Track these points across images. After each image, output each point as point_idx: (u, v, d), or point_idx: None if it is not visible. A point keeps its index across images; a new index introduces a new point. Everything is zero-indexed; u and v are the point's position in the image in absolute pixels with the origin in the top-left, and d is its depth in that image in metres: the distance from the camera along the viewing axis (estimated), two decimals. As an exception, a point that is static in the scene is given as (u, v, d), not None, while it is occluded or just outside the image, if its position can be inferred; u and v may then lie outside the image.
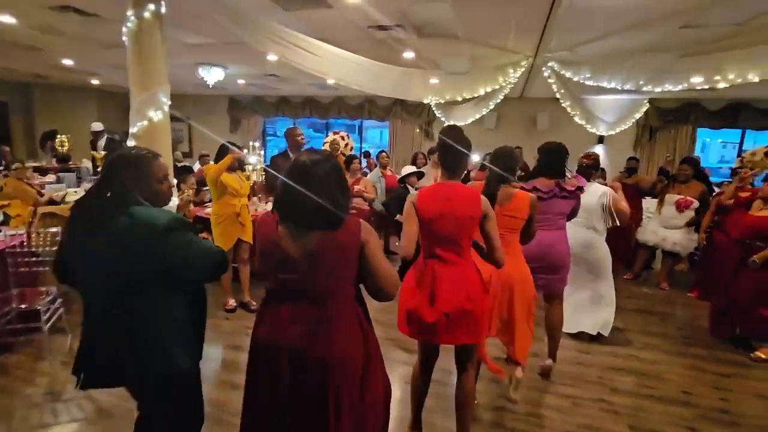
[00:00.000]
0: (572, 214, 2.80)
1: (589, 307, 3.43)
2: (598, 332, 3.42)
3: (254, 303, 3.87)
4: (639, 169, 6.19)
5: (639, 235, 5.06)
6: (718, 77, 3.74)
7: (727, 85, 3.84)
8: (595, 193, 3.12)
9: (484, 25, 4.04)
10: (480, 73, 5.35)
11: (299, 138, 3.94)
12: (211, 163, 4.33)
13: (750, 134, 8.28)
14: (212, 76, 6.61)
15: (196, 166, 7.29)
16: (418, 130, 9.33)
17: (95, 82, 8.76)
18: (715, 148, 15.68)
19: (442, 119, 7.91)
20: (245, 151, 4.04)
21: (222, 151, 3.72)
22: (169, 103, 2.96)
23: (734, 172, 4.45)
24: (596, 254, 3.26)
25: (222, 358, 3.14)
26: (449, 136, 1.96)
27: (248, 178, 4.31)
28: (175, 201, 3.28)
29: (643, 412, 2.64)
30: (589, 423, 2.50)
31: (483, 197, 1.93)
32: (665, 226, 4.82)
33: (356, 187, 4.64)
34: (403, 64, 5.42)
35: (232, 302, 3.85)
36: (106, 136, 7.13)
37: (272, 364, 1.40)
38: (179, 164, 6.15)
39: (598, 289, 3.41)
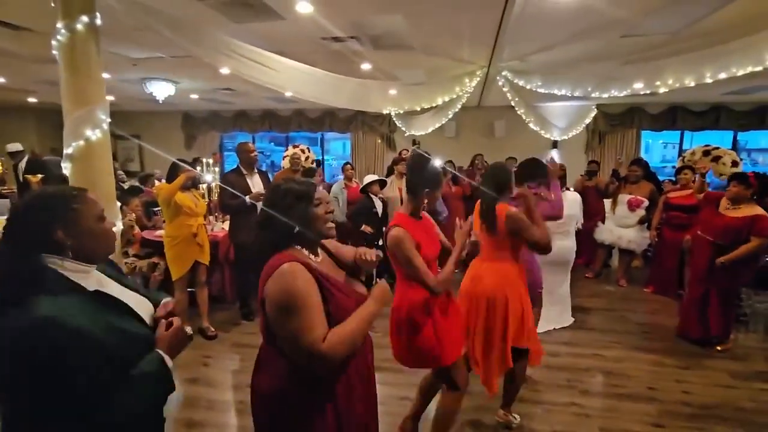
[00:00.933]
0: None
1: (554, 304, 3.75)
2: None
3: (212, 329, 3.62)
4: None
5: (596, 234, 5.25)
6: (658, 82, 3.96)
7: (667, 90, 4.07)
8: (575, 201, 3.61)
9: (437, 37, 4.09)
10: (437, 84, 5.42)
11: (252, 154, 3.79)
12: (163, 182, 4.09)
13: (687, 134, 8.89)
14: (161, 91, 6.32)
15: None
16: (379, 141, 9.35)
17: (32, 100, 8.17)
18: (657, 148, 16.75)
19: (403, 129, 7.95)
20: (198, 168, 3.83)
21: (173, 170, 3.52)
22: (109, 120, 2.75)
23: (678, 170, 4.70)
24: (569, 256, 3.69)
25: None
26: (414, 162, 1.94)
27: (203, 196, 4.11)
28: (119, 225, 3.05)
29: (613, 412, 2.67)
30: (563, 429, 2.49)
31: (395, 228, 1.81)
32: (619, 225, 5.03)
33: None
34: (361, 75, 5.40)
35: (188, 329, 3.61)
36: (26, 157, 6.46)
37: None
38: (124, 185, 5.79)
39: (563, 287, 3.81)
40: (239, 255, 3.93)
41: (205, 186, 4.67)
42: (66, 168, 2.71)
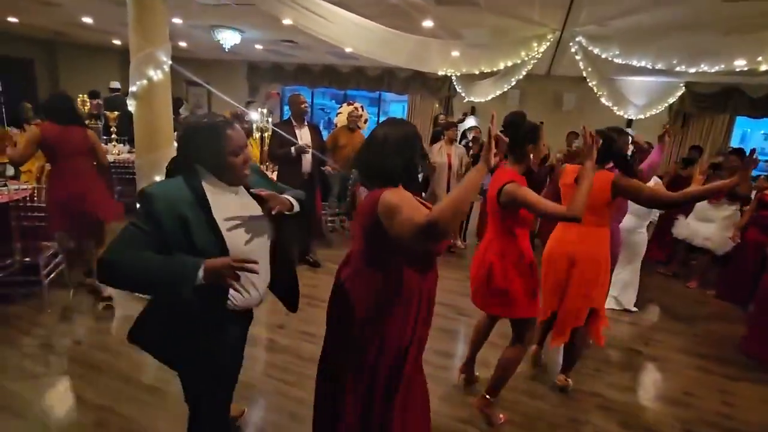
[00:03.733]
0: None
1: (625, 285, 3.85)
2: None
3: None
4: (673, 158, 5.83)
5: (674, 229, 4.73)
6: (760, 58, 3.40)
7: (772, 69, 3.50)
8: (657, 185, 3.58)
9: (507, -7, 3.77)
10: (500, 46, 5.06)
11: (302, 106, 3.82)
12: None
13: (795, 126, 7.71)
14: (228, 39, 6.49)
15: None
16: (437, 105, 9.05)
17: (117, 42, 8.76)
18: (756, 139, 14.69)
19: (463, 95, 7.62)
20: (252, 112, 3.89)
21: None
22: (170, 63, 2.89)
23: None
24: (636, 238, 3.74)
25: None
26: (511, 122, 2.18)
27: (258, 144, 4.23)
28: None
29: (639, 410, 2.54)
30: (578, 416, 2.42)
31: (510, 183, 1.92)
32: (700, 219, 4.51)
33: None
34: (422, 33, 5.17)
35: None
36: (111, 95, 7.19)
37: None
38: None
39: (628, 270, 3.82)
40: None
41: (258, 135, 4.83)
42: (131, 105, 2.91)
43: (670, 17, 3.83)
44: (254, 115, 3.65)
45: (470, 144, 5.72)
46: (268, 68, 10.18)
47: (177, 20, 6.07)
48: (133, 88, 2.84)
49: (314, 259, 4.20)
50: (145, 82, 2.80)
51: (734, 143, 7.92)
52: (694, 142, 7.61)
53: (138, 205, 1.26)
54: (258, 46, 7.93)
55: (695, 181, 2.39)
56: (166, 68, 2.90)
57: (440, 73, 5.76)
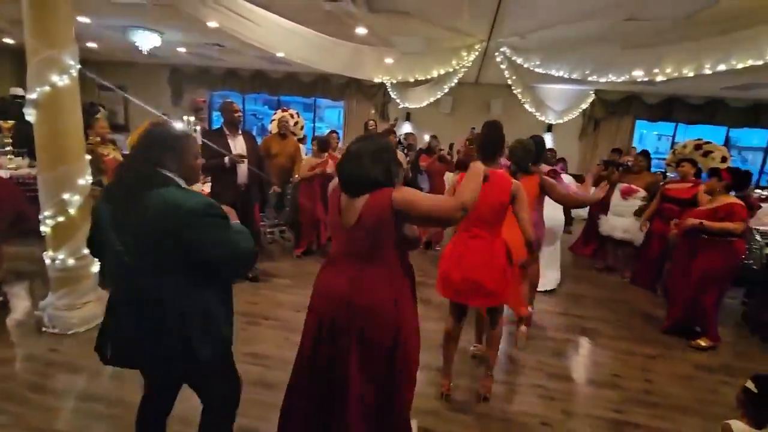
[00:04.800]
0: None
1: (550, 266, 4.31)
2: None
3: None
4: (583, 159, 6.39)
5: (599, 227, 5.14)
6: (657, 70, 3.86)
7: (665, 79, 3.98)
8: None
9: (435, 3, 3.90)
10: (434, 55, 5.23)
11: (235, 114, 3.63)
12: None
13: (681, 127, 8.86)
14: (146, 41, 6.00)
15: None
16: (373, 111, 9.12)
17: (8, 41, 7.73)
18: (651, 139, 16.76)
19: (398, 101, 7.76)
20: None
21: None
22: (78, 66, 2.58)
23: (678, 162, 4.52)
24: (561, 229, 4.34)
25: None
26: (490, 128, 2.40)
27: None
28: (89, 179, 2.92)
29: (576, 396, 2.72)
30: (526, 410, 2.54)
31: (515, 182, 2.28)
32: (614, 214, 4.95)
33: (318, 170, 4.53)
34: (355, 40, 5.17)
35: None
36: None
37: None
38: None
39: (555, 252, 4.35)
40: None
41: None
42: (30, 115, 2.56)
43: (581, 32, 4.21)
44: (179, 125, 3.36)
45: (406, 151, 5.80)
46: (193, 72, 9.59)
47: (84, 19, 5.50)
48: (32, 96, 2.49)
49: (254, 273, 3.98)
50: (47, 88, 2.47)
51: (635, 143, 8.92)
52: (605, 144, 8.45)
53: (201, 213, 1.33)
54: (181, 49, 7.44)
55: (586, 181, 3.39)
56: (74, 73, 2.59)
57: (376, 80, 5.81)
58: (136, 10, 4.84)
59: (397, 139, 5.99)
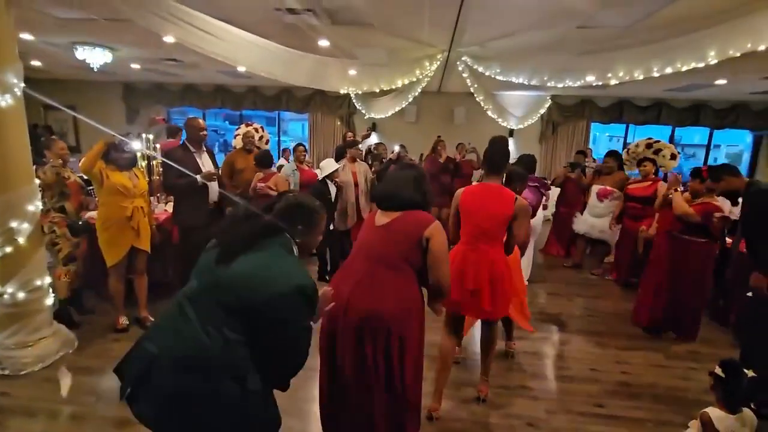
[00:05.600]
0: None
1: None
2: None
3: (151, 319, 3.35)
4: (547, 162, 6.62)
5: (574, 225, 5.30)
6: (609, 74, 4.07)
7: (617, 82, 4.20)
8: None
9: (397, 15, 3.95)
10: (397, 65, 5.29)
11: (201, 132, 3.50)
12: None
13: (632, 128, 9.40)
14: (96, 58, 5.72)
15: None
16: (339, 123, 9.11)
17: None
18: (603, 141, 17.68)
19: (363, 111, 7.78)
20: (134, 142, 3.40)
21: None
22: (22, 85, 2.41)
23: (639, 162, 4.74)
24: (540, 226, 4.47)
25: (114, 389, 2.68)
26: (497, 144, 2.46)
27: (145, 174, 3.76)
28: (38, 205, 2.72)
29: (558, 393, 2.77)
30: (511, 411, 2.55)
31: (519, 199, 2.35)
32: (591, 214, 5.13)
33: (260, 184, 4.13)
34: (318, 52, 5.15)
35: (123, 320, 3.31)
36: None
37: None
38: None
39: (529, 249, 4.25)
40: (186, 239, 3.61)
41: (144, 164, 4.30)
42: (-31, 138, 2.35)
43: (537, 40, 4.38)
44: (136, 144, 3.17)
45: (372, 162, 5.80)
46: (148, 89, 9.22)
47: (27, 36, 5.18)
48: (-28, 117, 2.30)
49: None
50: (-11, 109, 2.29)
51: (590, 144, 9.36)
52: (563, 146, 8.82)
53: (298, 301, 1.25)
54: (135, 66, 7.15)
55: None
56: (18, 92, 2.42)
57: (342, 91, 5.80)
58: (85, 25, 4.61)
59: (362, 151, 5.98)
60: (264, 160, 4.26)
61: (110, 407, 2.38)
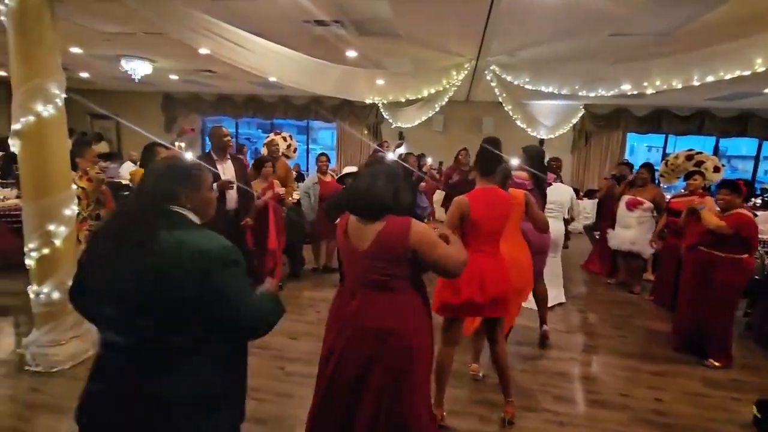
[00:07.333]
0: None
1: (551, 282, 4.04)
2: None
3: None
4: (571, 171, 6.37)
5: (608, 241, 5.04)
6: (645, 83, 3.89)
7: (654, 91, 4.01)
8: (566, 191, 4.09)
9: (424, 25, 3.95)
10: (424, 75, 5.28)
11: (224, 139, 3.59)
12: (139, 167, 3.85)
13: (671, 139, 8.96)
14: (138, 69, 6.04)
15: (126, 168, 6.65)
16: (366, 132, 9.18)
17: (3, 73, 7.76)
18: (642, 151, 16.97)
19: (390, 121, 7.81)
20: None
21: (149, 152, 3.28)
22: (63, 96, 2.55)
23: (688, 175, 4.45)
24: (562, 239, 4.19)
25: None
26: (488, 145, 2.48)
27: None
28: (75, 209, 2.86)
29: (584, 419, 2.61)
30: (533, 435, 2.43)
31: (522, 193, 2.65)
32: (621, 226, 4.87)
33: (256, 192, 4.12)
34: (346, 63, 5.22)
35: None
36: None
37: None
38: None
39: (555, 267, 4.22)
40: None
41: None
42: (14, 146, 2.51)
43: (568, 49, 4.27)
44: (188, 155, 3.32)
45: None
46: (185, 98, 9.65)
47: (76, 50, 5.53)
48: (16, 126, 2.45)
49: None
50: (32, 118, 2.43)
51: (627, 155, 8.99)
52: (597, 157, 8.51)
53: (227, 262, 1.15)
54: (173, 76, 7.49)
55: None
56: (60, 102, 2.56)
57: (368, 101, 5.84)
58: (128, 39, 4.88)
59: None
60: (258, 166, 4.23)
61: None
